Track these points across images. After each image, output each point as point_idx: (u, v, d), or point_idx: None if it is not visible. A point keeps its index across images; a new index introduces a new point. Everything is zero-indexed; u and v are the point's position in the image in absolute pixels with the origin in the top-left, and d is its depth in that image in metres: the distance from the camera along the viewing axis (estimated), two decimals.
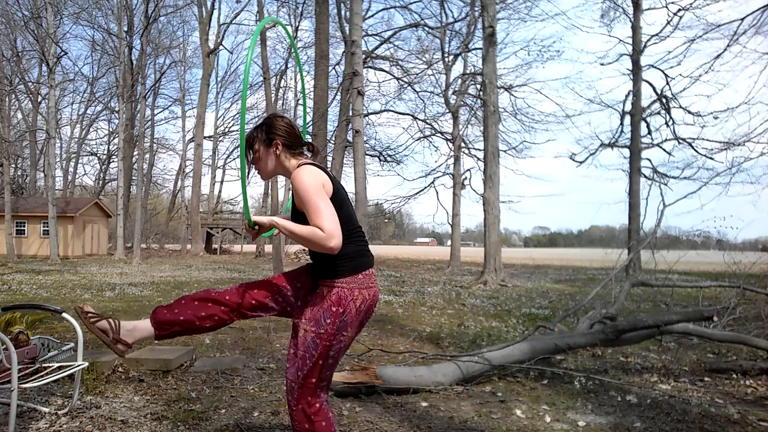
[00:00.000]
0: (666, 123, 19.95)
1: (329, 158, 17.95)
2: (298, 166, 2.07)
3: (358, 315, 2.05)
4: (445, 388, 3.89)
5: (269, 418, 3.26)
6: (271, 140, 2.12)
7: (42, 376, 2.98)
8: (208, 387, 3.89)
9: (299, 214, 2.06)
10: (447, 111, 24.38)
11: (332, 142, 18.29)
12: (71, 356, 3.48)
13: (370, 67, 26.12)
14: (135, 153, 31.27)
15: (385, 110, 28.11)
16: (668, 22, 18.36)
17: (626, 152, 20.08)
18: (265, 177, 2.22)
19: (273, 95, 25.55)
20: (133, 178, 32.10)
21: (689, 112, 19.12)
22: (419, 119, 26.15)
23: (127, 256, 26.00)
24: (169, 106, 54.07)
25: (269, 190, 25.57)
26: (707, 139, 19.10)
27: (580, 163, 20.91)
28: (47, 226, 24.61)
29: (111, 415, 3.22)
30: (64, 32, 30.70)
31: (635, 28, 19.49)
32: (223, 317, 2.15)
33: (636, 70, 19.58)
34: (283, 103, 33.96)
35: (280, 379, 4.10)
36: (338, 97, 24.70)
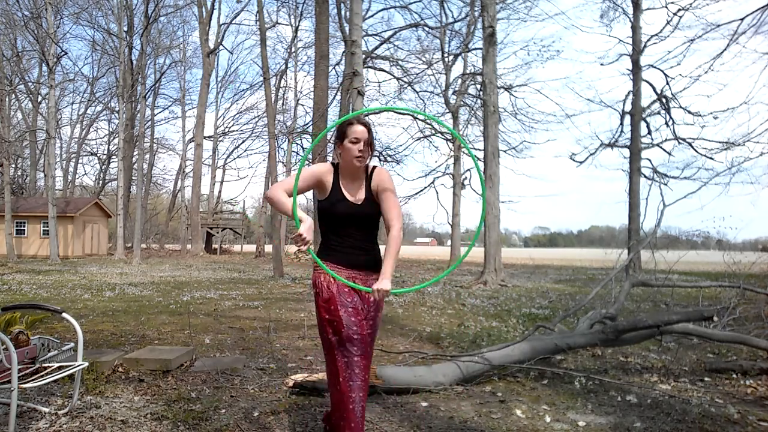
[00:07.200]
0: (666, 123, 19.97)
1: (329, 158, 17.95)
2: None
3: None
4: (445, 388, 3.89)
5: (269, 418, 3.26)
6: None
7: (42, 376, 2.98)
8: (208, 387, 3.89)
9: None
10: (447, 111, 24.39)
11: (332, 142, 18.28)
12: (71, 356, 3.48)
13: (370, 67, 26.09)
14: (135, 153, 31.28)
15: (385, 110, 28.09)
16: (668, 22, 18.37)
17: (626, 152, 20.09)
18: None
19: (273, 95, 25.53)
20: (133, 178, 32.10)
21: (689, 112, 19.14)
22: (419, 119, 26.15)
23: (127, 256, 26.00)
24: (169, 106, 54.17)
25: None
26: (707, 139, 19.12)
27: (580, 163, 20.93)
28: (47, 226, 24.62)
29: (111, 415, 3.22)
30: (64, 32, 30.75)
31: (635, 28, 19.50)
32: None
33: (636, 70, 19.58)
34: (283, 103, 33.97)
35: (279, 379, 4.10)
36: (338, 97, 24.70)
